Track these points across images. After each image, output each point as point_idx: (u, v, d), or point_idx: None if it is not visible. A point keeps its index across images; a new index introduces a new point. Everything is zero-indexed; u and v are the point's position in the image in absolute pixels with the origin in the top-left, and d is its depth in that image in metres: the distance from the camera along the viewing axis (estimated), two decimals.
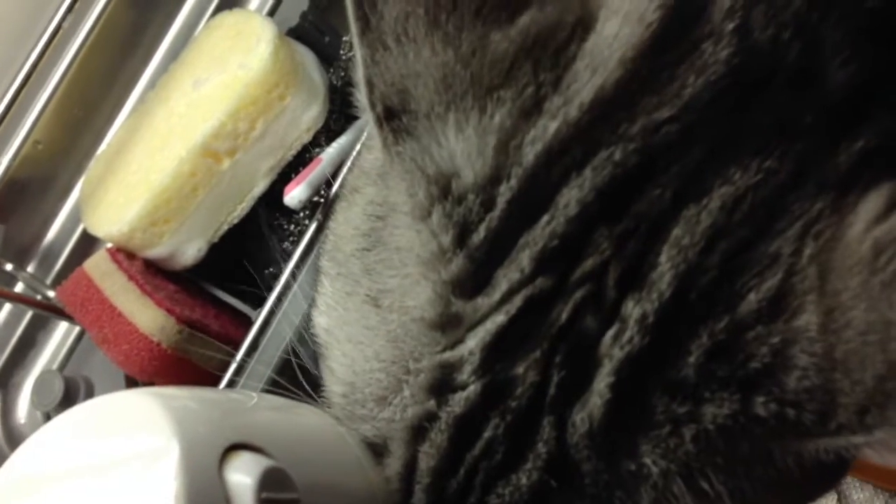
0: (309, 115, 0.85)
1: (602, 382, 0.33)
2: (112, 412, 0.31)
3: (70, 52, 0.91)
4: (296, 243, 0.90)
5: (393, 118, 0.35)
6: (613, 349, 0.33)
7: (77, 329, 0.95)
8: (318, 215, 0.81)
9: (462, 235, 0.34)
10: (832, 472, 0.36)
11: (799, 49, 0.35)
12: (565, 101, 0.34)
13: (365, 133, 0.39)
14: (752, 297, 0.33)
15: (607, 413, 0.33)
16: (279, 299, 0.84)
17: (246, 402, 0.35)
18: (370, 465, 0.35)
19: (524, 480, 0.33)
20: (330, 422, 0.36)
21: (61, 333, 0.96)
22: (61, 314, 0.90)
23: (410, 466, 0.34)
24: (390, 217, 0.37)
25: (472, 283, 0.34)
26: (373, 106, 0.36)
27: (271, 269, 0.90)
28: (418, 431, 0.34)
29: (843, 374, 0.32)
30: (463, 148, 0.34)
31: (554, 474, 0.33)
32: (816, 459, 0.33)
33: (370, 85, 0.35)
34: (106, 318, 0.82)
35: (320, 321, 0.39)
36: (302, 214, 0.94)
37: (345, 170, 0.69)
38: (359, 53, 0.35)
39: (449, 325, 0.34)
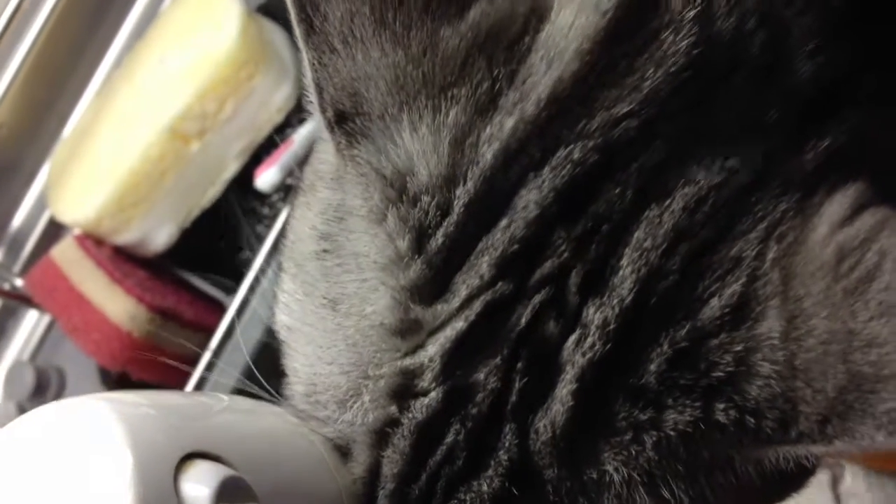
0: (279, 95, 0.83)
1: (564, 389, 0.32)
2: (64, 421, 0.29)
3: (32, 31, 0.88)
4: (269, 227, 0.89)
5: (345, 121, 0.34)
6: (575, 355, 0.32)
7: (48, 318, 0.93)
8: (292, 198, 0.79)
9: (419, 240, 0.33)
10: (793, 481, 0.35)
11: (764, 39, 0.34)
12: (521, 96, 0.33)
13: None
14: (714, 302, 0.32)
15: (570, 420, 0.32)
16: (253, 284, 0.83)
17: (212, 406, 0.33)
18: (337, 468, 0.34)
19: (485, 487, 0.33)
20: (296, 425, 0.35)
21: (31, 322, 0.94)
22: (30, 303, 0.88)
23: (374, 471, 0.34)
24: (346, 221, 0.36)
25: (431, 288, 0.33)
26: (323, 111, 0.34)
27: (245, 253, 0.89)
28: (381, 436, 0.34)
29: (805, 383, 0.31)
30: (418, 147, 0.33)
31: (515, 482, 0.33)
32: (777, 467, 0.33)
33: (319, 89, 0.34)
34: (75, 308, 0.80)
35: (281, 319, 0.38)
36: (275, 197, 0.93)
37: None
38: (305, 57, 0.34)
39: (408, 332, 0.33)
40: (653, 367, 0.32)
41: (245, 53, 0.80)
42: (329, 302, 0.36)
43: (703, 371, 0.32)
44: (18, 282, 0.88)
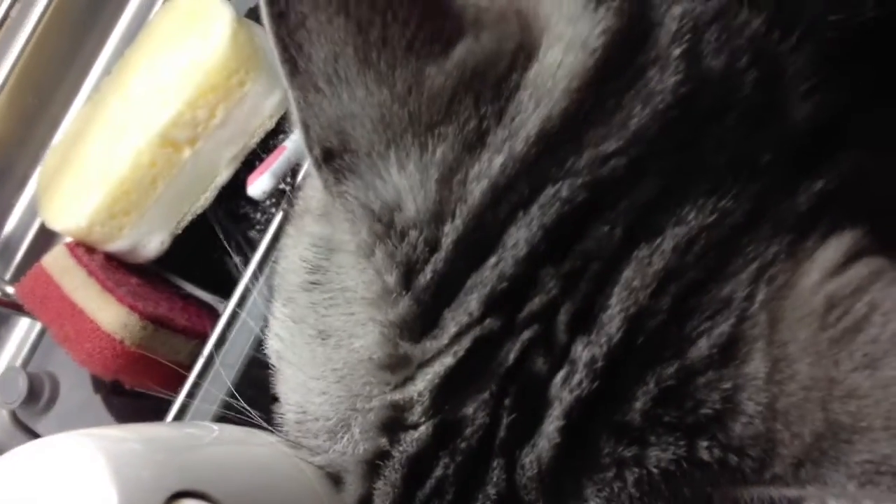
0: (271, 101, 0.82)
1: (551, 426, 0.32)
2: (50, 459, 0.29)
3: (21, 38, 0.88)
4: (262, 232, 0.88)
5: (333, 159, 0.34)
6: (563, 392, 0.32)
7: (39, 324, 0.92)
8: (284, 204, 0.79)
9: (407, 276, 0.33)
10: None
11: (756, 78, 0.34)
12: (510, 133, 0.33)
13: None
14: (703, 342, 0.32)
15: (555, 456, 0.32)
16: (246, 291, 0.83)
17: (201, 438, 0.33)
18: (328, 497, 0.34)
19: None
20: (287, 455, 0.34)
21: (24, 329, 0.94)
22: (21, 311, 0.87)
23: (365, 503, 0.34)
24: (335, 256, 0.36)
25: (420, 325, 0.33)
26: (310, 149, 0.34)
27: (238, 260, 0.89)
28: (372, 468, 0.34)
29: (784, 426, 0.31)
30: (405, 183, 0.33)
31: None
32: None
33: (306, 127, 0.34)
34: (66, 317, 0.79)
35: (272, 345, 0.38)
36: (268, 203, 0.92)
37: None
38: (290, 96, 0.34)
39: (397, 366, 0.34)
40: (638, 404, 0.32)
41: (236, 60, 0.79)
42: (318, 334, 0.36)
43: (690, 409, 0.32)
44: (10, 289, 0.87)
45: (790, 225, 0.34)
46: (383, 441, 0.34)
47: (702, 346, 0.32)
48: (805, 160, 0.34)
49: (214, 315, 0.88)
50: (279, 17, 0.34)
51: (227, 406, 0.50)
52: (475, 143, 0.33)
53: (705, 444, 0.32)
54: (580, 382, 0.32)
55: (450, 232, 0.33)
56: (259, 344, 0.71)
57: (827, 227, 0.34)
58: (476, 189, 0.33)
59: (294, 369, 0.37)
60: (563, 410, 0.32)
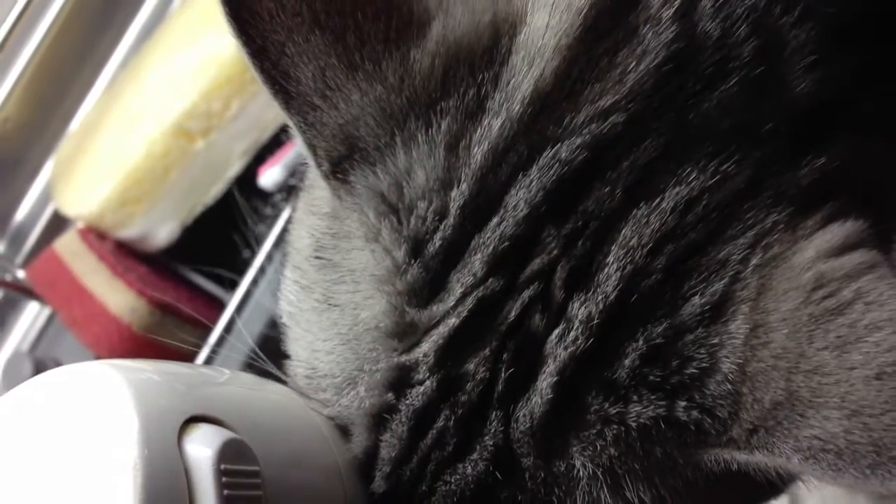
0: None
1: (545, 381, 0.33)
2: (71, 384, 0.30)
3: (41, 28, 0.89)
4: (272, 226, 0.90)
5: (341, 164, 0.35)
6: (558, 349, 0.33)
7: (48, 310, 0.93)
8: (294, 198, 0.80)
9: (416, 248, 0.34)
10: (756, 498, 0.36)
11: (756, 47, 0.34)
12: (506, 96, 0.34)
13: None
14: (696, 300, 0.33)
15: (547, 412, 0.33)
16: (254, 283, 0.84)
17: (215, 378, 0.34)
18: (337, 444, 0.35)
19: (470, 470, 0.34)
20: (298, 400, 0.35)
21: (32, 314, 0.95)
22: (31, 294, 0.89)
23: (372, 454, 0.35)
24: (343, 244, 0.37)
25: (428, 290, 0.34)
26: (319, 166, 0.35)
27: (247, 252, 0.90)
28: (379, 421, 0.35)
29: (749, 390, 0.32)
30: (414, 155, 0.34)
31: (499, 467, 0.34)
32: (734, 482, 0.33)
33: (312, 148, 0.35)
34: (76, 300, 0.81)
35: (283, 305, 0.39)
36: (278, 196, 0.93)
37: None
38: (290, 122, 0.35)
39: (404, 334, 0.34)
40: (627, 361, 0.33)
41: None
42: (325, 299, 0.37)
43: (675, 368, 0.33)
44: (20, 273, 0.88)
45: (790, 197, 0.34)
46: (389, 396, 0.34)
47: (695, 304, 0.33)
48: (807, 135, 0.35)
49: (220, 306, 0.89)
50: (260, 53, 0.34)
51: None
52: (476, 110, 0.34)
53: (683, 404, 0.32)
54: (575, 339, 0.33)
55: (457, 197, 0.34)
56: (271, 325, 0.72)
57: (831, 212, 0.34)
58: (478, 153, 0.34)
59: (303, 330, 0.38)
60: (557, 367, 0.33)
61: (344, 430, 0.36)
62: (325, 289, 0.37)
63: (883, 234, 0.36)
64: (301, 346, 0.38)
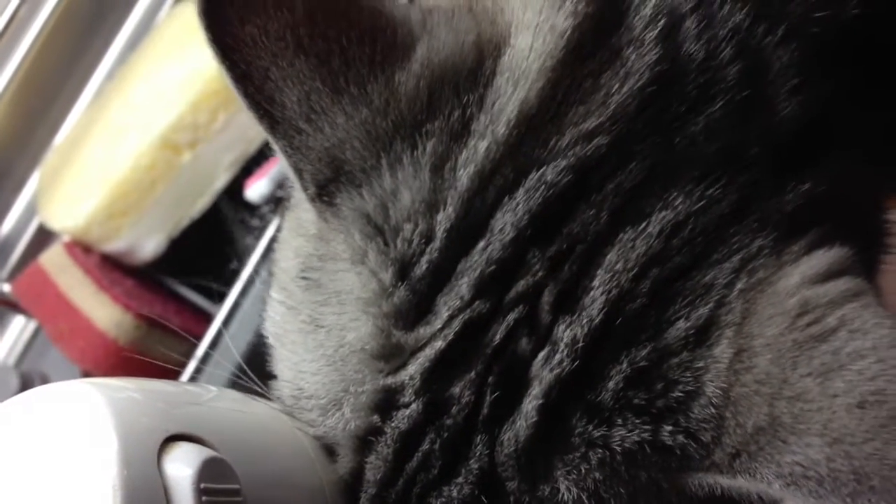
0: None
1: (530, 404, 0.33)
2: (53, 403, 0.30)
3: (27, 40, 0.89)
4: (259, 238, 0.89)
5: (327, 185, 0.35)
6: (543, 371, 0.33)
7: (34, 324, 0.93)
8: (281, 210, 0.80)
9: (402, 270, 0.34)
10: None
11: (740, 70, 0.34)
12: (492, 119, 0.34)
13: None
14: (680, 324, 0.33)
15: (532, 435, 0.33)
16: (241, 295, 0.84)
17: (200, 396, 0.34)
18: (323, 465, 0.35)
19: (455, 493, 0.34)
20: (284, 419, 0.35)
21: (18, 328, 0.94)
22: (17, 308, 0.88)
23: (357, 475, 0.35)
24: (329, 265, 0.36)
25: (414, 313, 0.34)
26: (305, 189, 0.35)
27: (234, 264, 0.89)
28: (364, 443, 0.35)
29: (732, 414, 0.32)
30: (400, 177, 0.34)
31: (485, 490, 0.34)
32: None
33: (299, 172, 0.35)
34: (62, 314, 0.80)
35: (269, 325, 0.39)
36: (265, 208, 0.93)
37: None
38: (276, 147, 0.35)
39: (390, 356, 0.34)
40: (611, 384, 0.33)
41: None
42: (311, 321, 0.36)
43: (660, 391, 0.33)
44: (6, 287, 0.88)
45: (776, 222, 0.34)
46: (375, 418, 0.34)
47: (679, 328, 0.33)
48: (792, 159, 0.35)
49: (208, 318, 0.89)
50: (244, 79, 0.34)
51: None
52: (461, 132, 0.34)
53: (669, 428, 0.32)
54: (560, 362, 0.33)
55: (443, 220, 0.34)
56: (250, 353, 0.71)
57: (816, 238, 0.34)
58: (464, 175, 0.34)
59: (288, 351, 0.38)
60: (542, 389, 0.33)
61: (330, 451, 0.36)
62: (312, 310, 0.37)
63: (867, 261, 0.36)
64: (287, 366, 0.38)
